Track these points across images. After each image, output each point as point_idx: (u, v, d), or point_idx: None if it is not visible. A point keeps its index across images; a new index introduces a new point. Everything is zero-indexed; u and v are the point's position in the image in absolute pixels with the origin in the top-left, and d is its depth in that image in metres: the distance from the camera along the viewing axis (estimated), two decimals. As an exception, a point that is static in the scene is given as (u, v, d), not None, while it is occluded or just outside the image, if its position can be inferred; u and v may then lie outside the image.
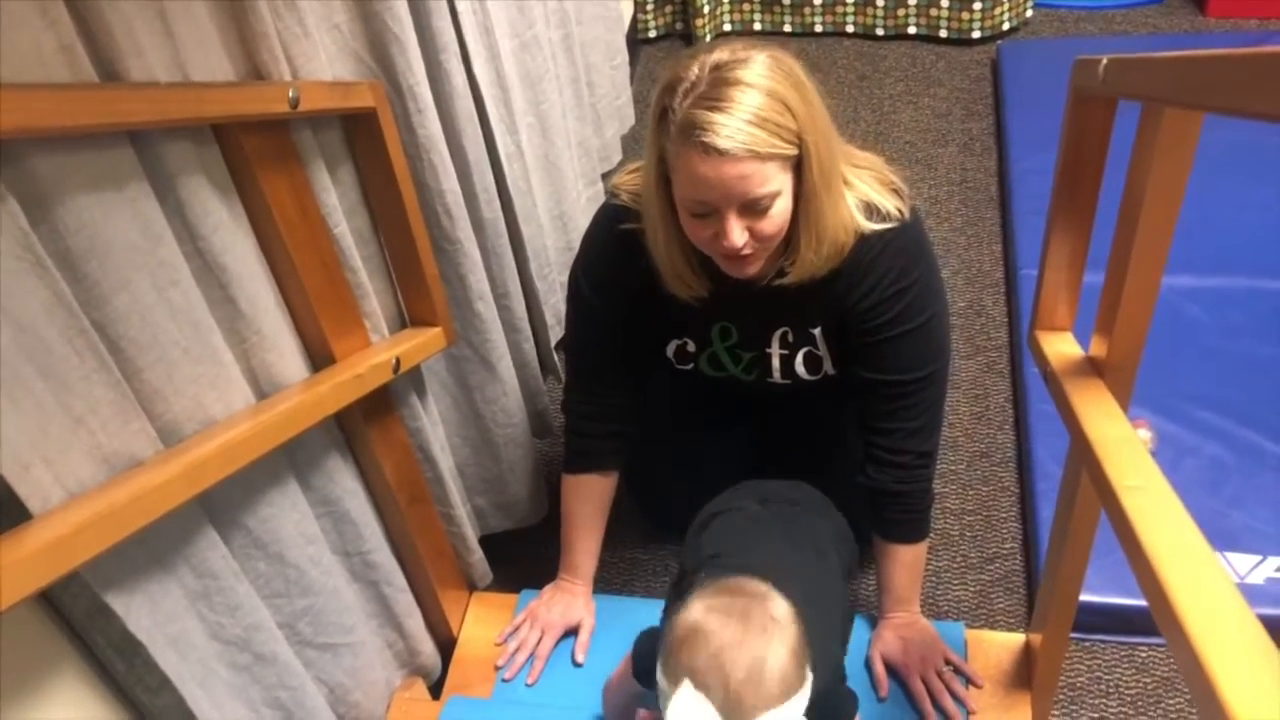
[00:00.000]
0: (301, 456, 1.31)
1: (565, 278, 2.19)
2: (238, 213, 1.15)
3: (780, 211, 1.26)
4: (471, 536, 1.79)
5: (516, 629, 1.68)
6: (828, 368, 1.54)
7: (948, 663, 1.56)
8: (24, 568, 0.83)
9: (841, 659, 1.33)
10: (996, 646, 1.64)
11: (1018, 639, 1.65)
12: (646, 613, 1.48)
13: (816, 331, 1.50)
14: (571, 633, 1.67)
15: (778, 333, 1.52)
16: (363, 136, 1.34)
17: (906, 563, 1.57)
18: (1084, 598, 1.61)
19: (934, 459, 1.55)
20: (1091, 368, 1.21)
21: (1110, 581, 1.79)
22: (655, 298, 1.46)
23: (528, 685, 1.60)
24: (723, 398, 1.70)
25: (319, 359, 1.32)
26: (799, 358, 1.54)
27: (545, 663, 1.63)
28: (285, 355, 1.24)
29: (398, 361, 1.41)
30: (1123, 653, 1.81)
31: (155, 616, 1.04)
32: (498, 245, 1.75)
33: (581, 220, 2.30)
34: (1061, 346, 1.31)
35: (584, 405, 1.63)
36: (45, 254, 0.87)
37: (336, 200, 1.31)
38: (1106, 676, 1.78)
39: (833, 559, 1.37)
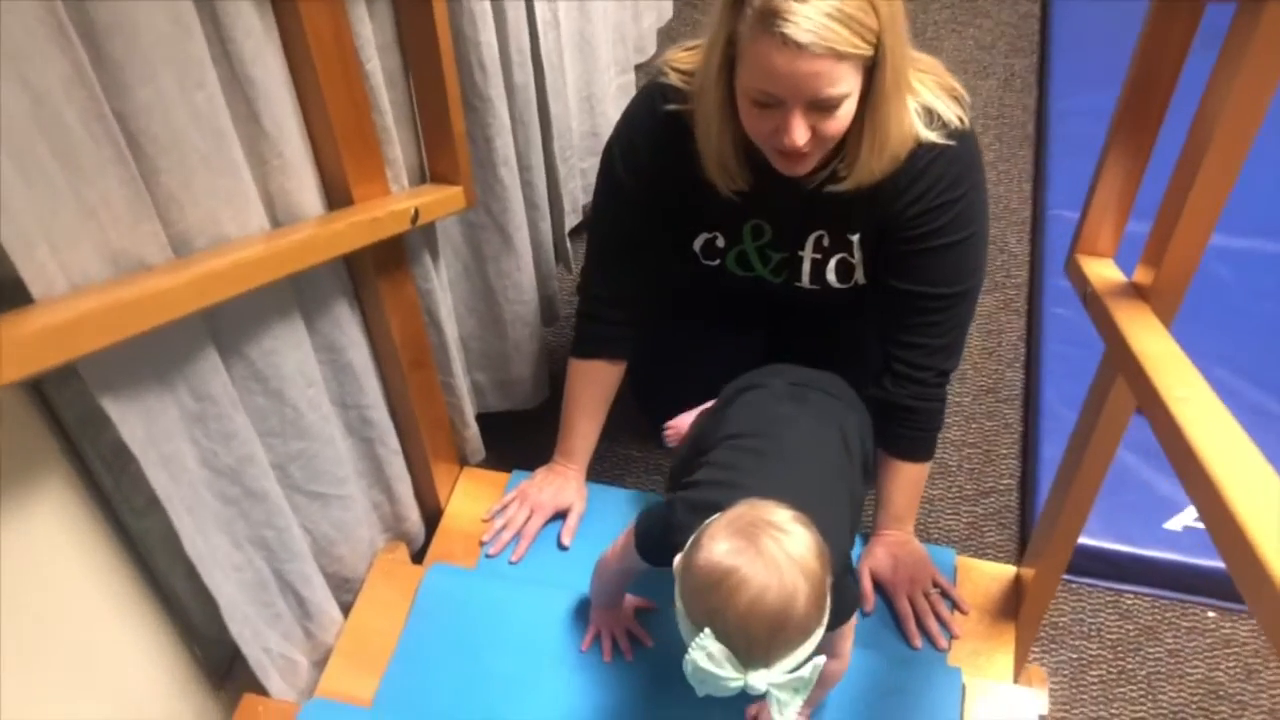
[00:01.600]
0: (310, 297, 1.27)
1: (586, 164, 2.14)
2: (270, 25, 1.09)
3: (846, 113, 1.21)
4: (469, 410, 1.76)
5: (505, 507, 1.66)
6: (859, 277, 1.49)
7: (936, 586, 1.54)
8: (22, 348, 0.79)
9: (849, 550, 1.29)
10: (986, 577, 1.62)
11: (1008, 571, 1.63)
12: (637, 505, 1.46)
13: (855, 238, 1.45)
14: (560, 515, 1.64)
15: (813, 235, 1.46)
16: (405, -32, 1.27)
17: (908, 480, 1.55)
18: (1080, 540, 1.60)
19: (949, 380, 1.51)
20: (1136, 293, 1.17)
21: (1104, 526, 1.78)
22: (691, 186, 1.40)
23: (511, 563, 1.58)
24: (741, 300, 1.65)
25: (337, 198, 1.26)
26: (832, 263, 1.48)
27: (531, 542, 1.60)
28: (304, 186, 1.19)
29: (416, 213, 1.35)
30: (1108, 598, 1.80)
31: (149, 431, 1.01)
32: (526, 114, 1.69)
33: (610, 107, 2.24)
34: (1103, 270, 1.27)
35: (601, 288, 1.58)
36: (68, 20, 0.81)
37: (371, 33, 1.25)
38: (1090, 619, 1.78)
39: (855, 449, 1.33)
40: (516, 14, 1.59)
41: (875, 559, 1.56)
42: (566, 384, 1.64)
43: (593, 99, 2.15)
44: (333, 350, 1.34)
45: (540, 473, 1.68)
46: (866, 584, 1.54)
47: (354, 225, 1.23)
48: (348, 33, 1.18)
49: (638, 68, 2.52)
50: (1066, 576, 1.80)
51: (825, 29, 1.11)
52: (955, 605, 1.55)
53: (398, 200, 1.34)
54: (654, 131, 1.41)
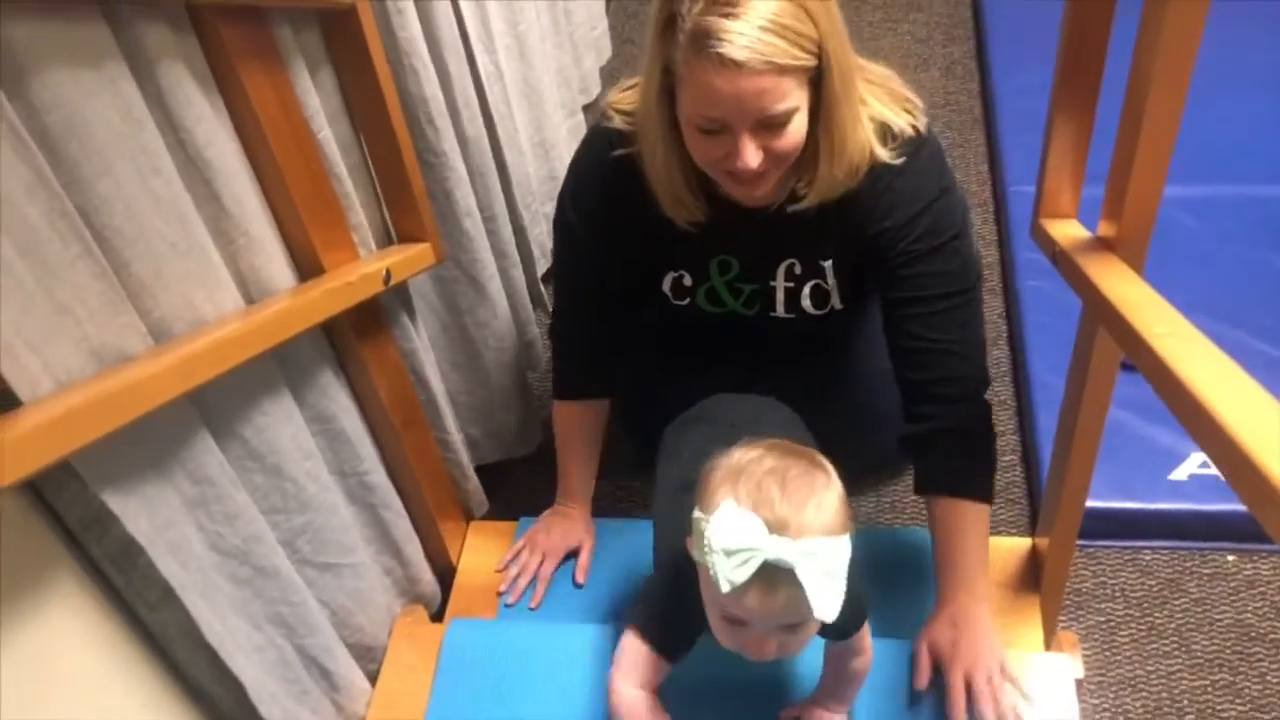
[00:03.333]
0: (295, 369, 1.27)
1: (549, 208, 2.16)
2: (220, 109, 1.11)
3: (797, 128, 1.17)
4: (467, 464, 1.76)
5: (516, 555, 1.65)
6: (835, 302, 1.46)
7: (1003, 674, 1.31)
8: (16, 449, 0.79)
9: None
10: (1003, 552, 1.62)
11: (1024, 543, 1.64)
12: (645, 534, 1.41)
13: (828, 264, 1.41)
14: (572, 555, 1.64)
15: (784, 264, 1.43)
16: (342, 35, 1.29)
17: (972, 528, 1.36)
18: (1089, 504, 1.60)
19: (984, 391, 1.40)
20: (1103, 245, 1.19)
21: (1113, 486, 1.78)
22: (649, 228, 1.37)
23: (531, 609, 1.57)
24: (717, 334, 1.61)
25: (308, 268, 1.27)
26: (805, 291, 1.45)
27: (547, 585, 1.60)
28: (274, 261, 1.20)
29: (388, 274, 1.37)
30: (1126, 557, 1.81)
31: (153, 521, 1.00)
32: (482, 165, 1.71)
33: (563, 150, 2.26)
34: (1068, 230, 1.29)
35: (569, 334, 1.59)
36: (23, 128, 0.83)
37: (319, 104, 1.26)
38: (1112, 580, 1.78)
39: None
40: (459, 68, 1.61)
41: (937, 630, 1.34)
42: (555, 428, 1.66)
43: (545, 144, 2.18)
44: (324, 420, 1.34)
45: (546, 516, 1.67)
46: (924, 659, 1.33)
47: (328, 293, 1.24)
48: (296, 106, 1.20)
49: (585, 108, 2.55)
50: (1082, 542, 1.80)
51: (761, 43, 1.07)
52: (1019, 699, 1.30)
53: (368, 263, 1.35)
54: (603, 179, 1.39)
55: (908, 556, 1.62)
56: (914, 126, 1.31)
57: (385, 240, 1.49)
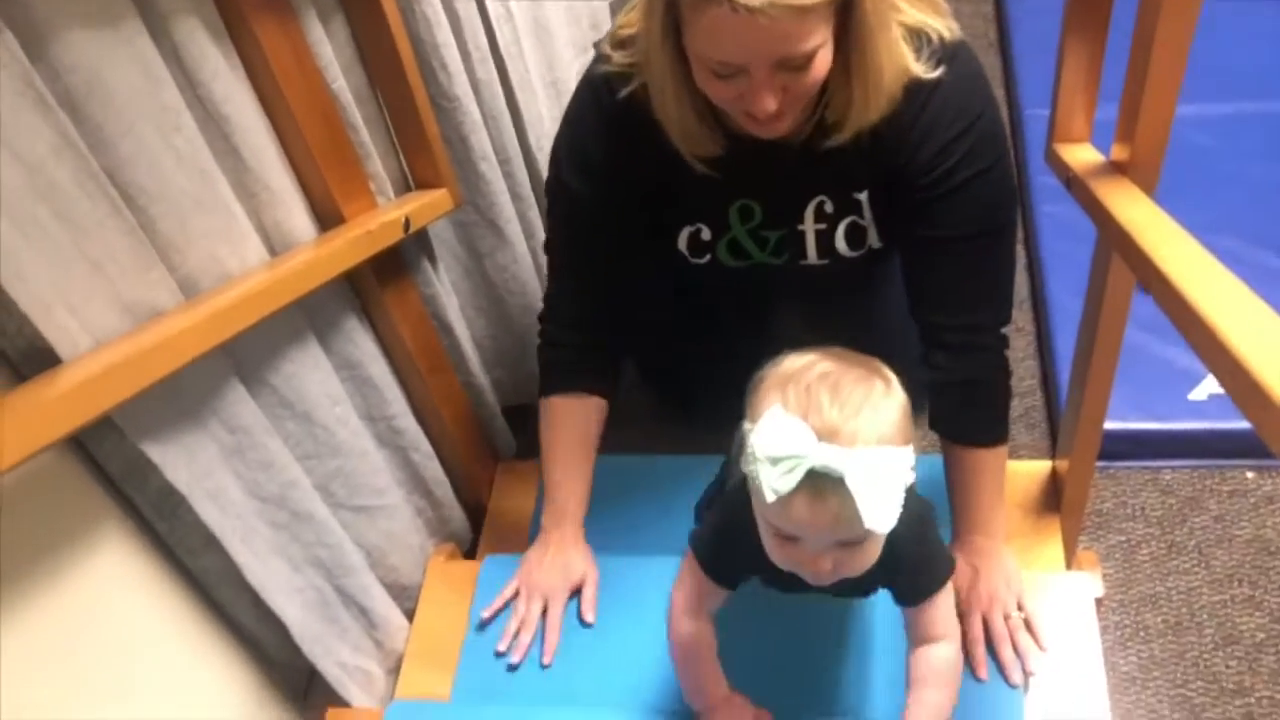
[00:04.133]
0: (321, 318, 1.30)
1: (564, 150, 2.15)
2: (235, 63, 1.12)
3: (822, 63, 1.04)
4: (494, 405, 1.79)
5: (510, 603, 1.41)
6: (873, 240, 1.30)
7: (1020, 611, 1.31)
8: (58, 407, 0.82)
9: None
10: (1023, 476, 1.64)
11: (1044, 466, 1.66)
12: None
13: (863, 196, 1.26)
14: (574, 594, 1.40)
15: (813, 203, 1.27)
16: (353, -17, 1.29)
17: (986, 473, 1.31)
18: (1107, 424, 1.62)
19: (1007, 340, 1.30)
20: (1115, 169, 1.19)
21: (1132, 407, 1.80)
22: (660, 178, 1.24)
23: (544, 666, 1.35)
24: (742, 292, 1.44)
25: (328, 219, 1.29)
26: (840, 230, 1.29)
27: (559, 634, 1.37)
28: (294, 213, 1.22)
29: (407, 221, 1.38)
30: (1146, 477, 1.83)
31: (192, 469, 1.04)
32: (495, 108, 1.71)
33: (576, 89, 2.25)
34: (1082, 154, 1.29)
35: (566, 313, 1.40)
36: (47, 91, 0.84)
37: (332, 54, 1.27)
38: (1132, 500, 1.80)
39: None
40: (468, 12, 1.60)
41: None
42: (540, 433, 1.42)
43: (558, 84, 2.16)
44: (351, 366, 1.37)
45: (534, 552, 1.42)
46: None
47: (349, 242, 1.26)
48: (310, 58, 1.21)
49: (596, 45, 2.53)
50: (1103, 463, 1.82)
51: None
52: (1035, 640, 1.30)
53: (387, 211, 1.37)
54: (604, 127, 1.25)
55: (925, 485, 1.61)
56: (949, 29, 1.17)
57: (404, 188, 1.51)
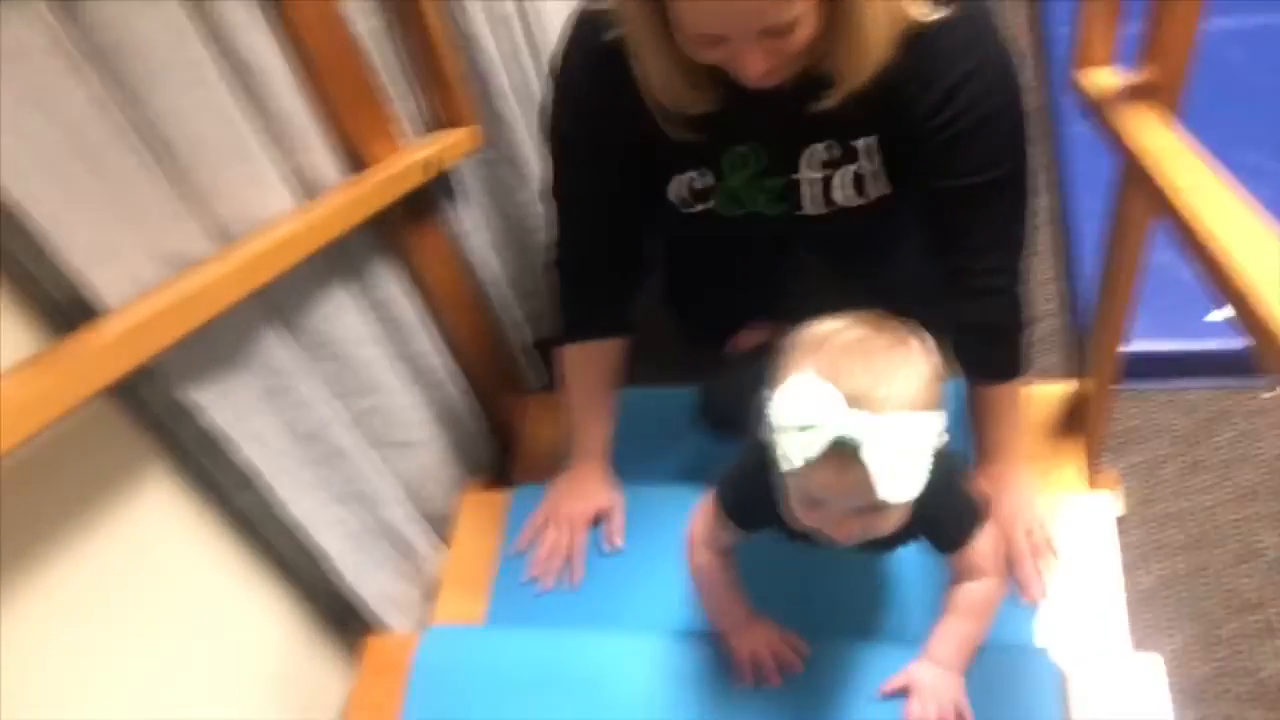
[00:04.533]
0: (350, 260, 1.33)
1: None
2: (256, 14, 1.13)
3: (806, 26, 1.01)
4: (521, 340, 1.82)
5: (537, 532, 1.46)
6: (877, 188, 1.27)
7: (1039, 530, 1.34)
8: (104, 355, 0.86)
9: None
10: (1046, 397, 1.65)
11: (1066, 388, 1.67)
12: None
13: (861, 144, 1.22)
14: (599, 520, 1.46)
15: (808, 150, 1.23)
16: (369, -74, 1.30)
17: (1006, 405, 1.33)
18: (1133, 346, 1.63)
19: (1025, 275, 1.28)
20: (1137, 93, 1.19)
21: (1154, 327, 1.80)
22: (653, 124, 1.19)
23: (572, 590, 1.41)
24: (738, 245, 1.46)
25: (354, 163, 1.31)
26: (838, 179, 1.25)
27: (584, 559, 1.43)
28: (321, 159, 1.24)
29: (431, 162, 1.40)
30: (1169, 396, 1.84)
31: (232, 412, 1.08)
32: (514, 44, 1.71)
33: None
34: (1104, 79, 1.28)
35: (572, 261, 1.39)
36: (75, 51, 0.87)
37: (352, -2, 1.28)
38: (1155, 419, 1.81)
39: None
40: (487, -52, 1.61)
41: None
42: (563, 376, 1.46)
43: (578, 15, 2.16)
44: (382, 307, 1.40)
45: (560, 483, 1.48)
46: None
47: (375, 185, 1.28)
48: (332, 4, 1.22)
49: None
50: (1126, 384, 1.84)
51: None
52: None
53: (411, 153, 1.39)
54: (594, 69, 1.20)
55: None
56: None
57: (426, 129, 1.52)
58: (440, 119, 1.52)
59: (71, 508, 0.94)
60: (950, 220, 1.23)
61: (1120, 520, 1.63)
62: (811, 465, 0.87)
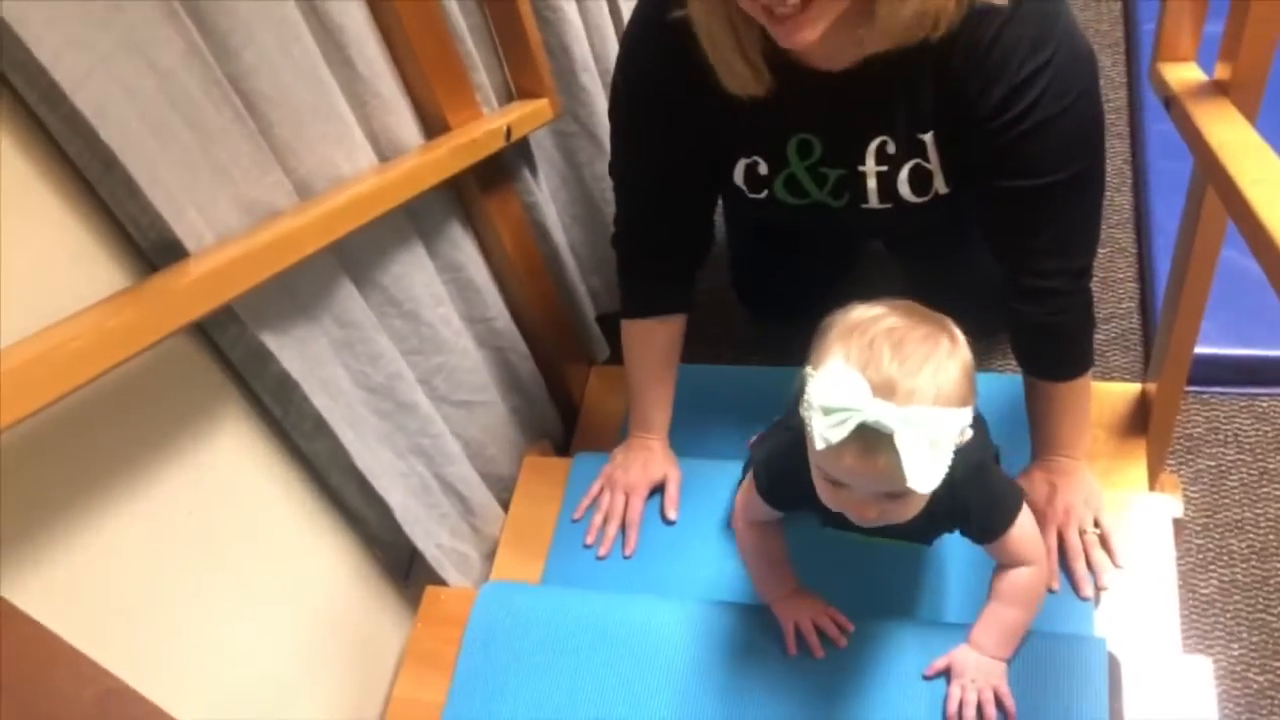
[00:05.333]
0: (426, 222, 1.37)
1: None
2: (349, -23, 1.17)
3: None
4: (588, 311, 1.85)
5: (596, 499, 1.50)
6: (939, 185, 1.24)
7: (1096, 527, 1.33)
8: (185, 296, 0.91)
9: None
10: (1112, 396, 1.64)
11: (1134, 388, 1.65)
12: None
13: (927, 138, 1.19)
14: (656, 490, 1.49)
15: (875, 143, 1.21)
16: (459, -102, 1.33)
17: (1069, 401, 1.31)
18: (1203, 349, 1.60)
19: (1090, 276, 1.25)
20: (1216, 89, 1.18)
21: (1230, 333, 1.77)
22: (718, 106, 1.18)
23: (626, 557, 1.44)
24: (813, 230, 1.46)
25: (434, 127, 1.35)
26: (903, 173, 1.23)
27: (639, 528, 1.45)
28: (403, 120, 1.28)
29: (509, 130, 1.43)
30: (1241, 403, 1.81)
31: (306, 359, 1.12)
32: (598, 18, 1.74)
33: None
34: (1185, 74, 1.27)
35: (636, 239, 1.41)
36: (177, 4, 0.91)
37: (440, -35, 1.32)
38: (1225, 426, 1.79)
39: None
40: (573, -79, 1.63)
41: (1032, 484, 1.33)
42: (624, 350, 1.48)
43: (663, -7, 2.18)
44: (454, 269, 1.44)
45: (619, 453, 1.52)
46: None
47: (454, 150, 1.32)
48: (420, -31, 1.26)
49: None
50: (1198, 388, 1.81)
51: None
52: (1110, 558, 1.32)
53: (490, 120, 1.42)
54: (661, 49, 1.19)
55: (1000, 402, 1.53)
56: None
57: (506, 97, 1.56)
58: (521, 88, 1.55)
59: (154, 439, 0.98)
60: (1013, 221, 1.20)
61: (1183, 526, 1.62)
62: (835, 448, 0.89)
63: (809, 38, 1.00)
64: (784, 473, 1.11)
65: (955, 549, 1.34)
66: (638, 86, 1.27)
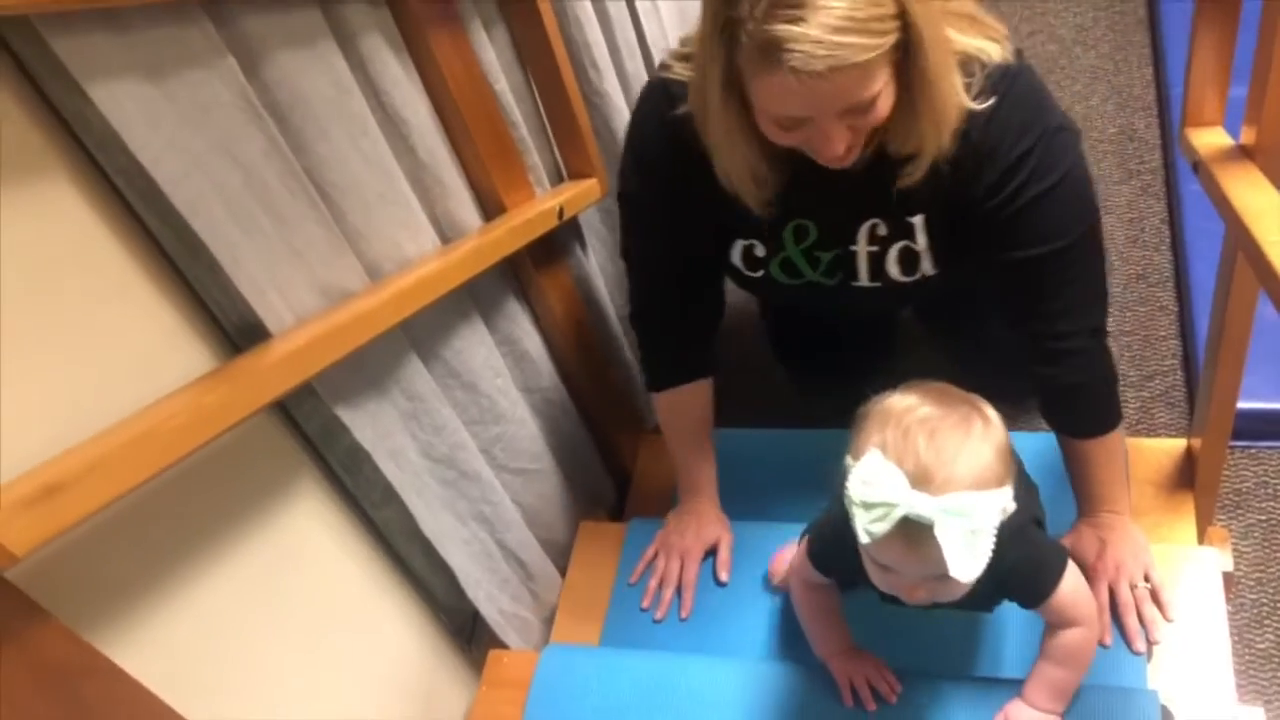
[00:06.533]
0: (484, 299, 1.44)
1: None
2: (411, 72, 1.25)
3: (885, 101, 1.04)
4: (638, 380, 1.90)
5: (650, 563, 1.53)
6: (926, 267, 1.29)
7: (1146, 581, 1.33)
8: (269, 375, 0.97)
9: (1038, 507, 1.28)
10: (1157, 452, 1.66)
11: (1179, 444, 1.67)
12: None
13: (917, 220, 1.25)
14: (709, 553, 1.52)
15: (866, 225, 1.27)
16: (514, -5, 1.42)
17: (1104, 456, 1.32)
18: (1249, 404, 1.62)
19: (1106, 333, 1.29)
20: (1243, 154, 1.22)
21: (1274, 387, 1.78)
22: (716, 195, 1.22)
23: (683, 619, 1.47)
24: (811, 306, 1.53)
25: (492, 209, 1.42)
26: (892, 254, 1.29)
27: (694, 590, 1.48)
28: (463, 204, 1.35)
29: (561, 210, 1.50)
30: (1290, 457, 1.81)
31: (376, 431, 1.18)
32: (643, 100, 1.81)
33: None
34: (1211, 139, 1.31)
35: (650, 317, 1.47)
36: (259, 104, 0.99)
37: (494, 57, 1.40)
38: (1273, 480, 1.79)
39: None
40: (618, 10, 1.72)
41: (1081, 540, 1.36)
42: (659, 420, 1.55)
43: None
44: (511, 342, 1.50)
45: (673, 518, 1.55)
46: None
47: (510, 230, 1.39)
48: (475, 63, 1.34)
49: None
50: (1246, 443, 1.82)
51: (838, 46, 0.94)
52: (1162, 611, 1.32)
53: (543, 201, 1.49)
54: (664, 140, 1.24)
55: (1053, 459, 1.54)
56: (1000, 56, 1.13)
57: (557, 178, 1.63)
58: (571, 169, 1.62)
59: (235, 510, 1.05)
60: (1022, 289, 1.25)
61: (1237, 581, 1.62)
62: (880, 541, 0.92)
63: (848, 162, 1.10)
64: (837, 547, 1.12)
65: (1008, 608, 1.35)
66: (645, 176, 1.34)
